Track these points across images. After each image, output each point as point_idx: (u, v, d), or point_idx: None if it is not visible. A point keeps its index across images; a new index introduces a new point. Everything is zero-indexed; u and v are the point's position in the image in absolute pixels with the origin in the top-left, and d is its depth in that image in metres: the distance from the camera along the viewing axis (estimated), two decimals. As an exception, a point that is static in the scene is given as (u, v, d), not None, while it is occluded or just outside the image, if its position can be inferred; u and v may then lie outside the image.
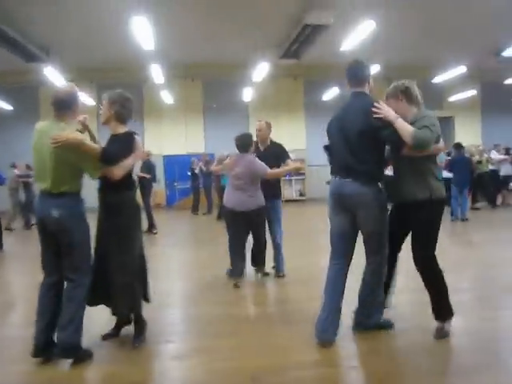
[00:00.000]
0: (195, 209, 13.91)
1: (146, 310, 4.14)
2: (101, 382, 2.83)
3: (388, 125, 3.14)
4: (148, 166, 10.19)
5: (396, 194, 3.40)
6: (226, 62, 15.38)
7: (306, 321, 3.81)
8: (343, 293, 3.39)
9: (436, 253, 3.38)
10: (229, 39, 13.31)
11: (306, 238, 8.59)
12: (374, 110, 3.18)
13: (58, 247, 3.15)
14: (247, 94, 15.85)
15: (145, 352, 3.28)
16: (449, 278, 3.53)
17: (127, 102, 3.46)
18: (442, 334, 3.35)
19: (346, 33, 10.15)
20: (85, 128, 3.43)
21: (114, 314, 3.52)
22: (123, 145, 3.31)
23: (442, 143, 3.38)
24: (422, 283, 3.44)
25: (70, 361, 3.10)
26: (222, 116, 17.34)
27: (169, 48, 12.91)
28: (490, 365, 2.90)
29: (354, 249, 3.43)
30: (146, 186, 9.94)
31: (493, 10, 10.98)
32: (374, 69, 12.51)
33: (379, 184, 3.32)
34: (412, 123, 3.18)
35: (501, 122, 18.36)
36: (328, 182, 3.55)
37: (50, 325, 3.13)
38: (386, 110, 3.18)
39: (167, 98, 15.85)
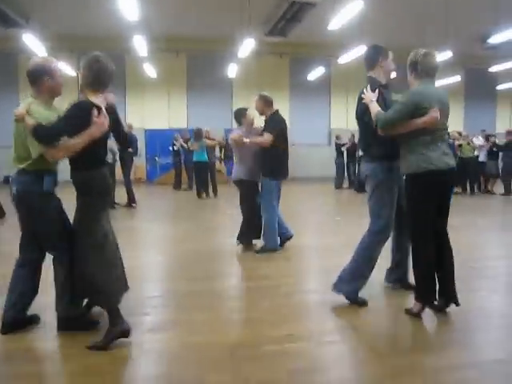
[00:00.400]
0: (177, 185, 13.87)
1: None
2: (76, 353, 2.83)
3: (368, 109, 3.42)
4: (130, 139, 10.06)
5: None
6: (212, 36, 15.17)
7: (284, 296, 3.88)
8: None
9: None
10: (215, 14, 13.10)
11: (292, 217, 8.65)
12: (362, 96, 3.47)
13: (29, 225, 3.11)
14: (232, 71, 15.68)
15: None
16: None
17: (96, 63, 2.99)
18: (411, 311, 3.44)
19: (333, 12, 10.06)
20: (111, 108, 3.12)
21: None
22: (69, 119, 2.88)
23: (432, 115, 3.26)
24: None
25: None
26: (205, 91, 17.17)
27: (153, 20, 12.64)
28: (456, 342, 3.00)
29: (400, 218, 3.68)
30: (127, 159, 9.84)
31: (480, -4, 11.01)
32: (361, 50, 12.46)
33: (382, 163, 3.54)
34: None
35: (483, 109, 18.60)
36: None
37: (20, 302, 3.12)
38: (366, 95, 3.44)
39: (150, 71, 15.58)
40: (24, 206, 3.05)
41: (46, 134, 2.82)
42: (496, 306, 3.77)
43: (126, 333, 2.93)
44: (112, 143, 9.40)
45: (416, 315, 3.39)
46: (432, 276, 3.40)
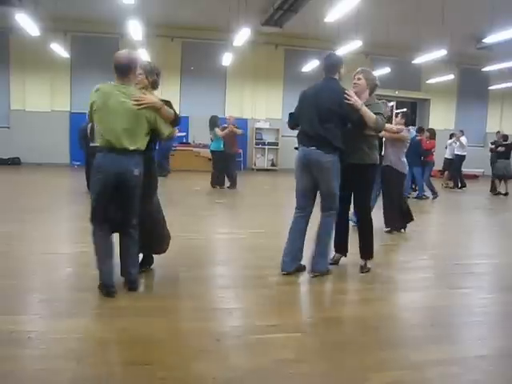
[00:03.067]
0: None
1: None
2: (59, 337, 2.83)
3: (356, 111, 3.94)
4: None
5: (348, 158, 4.14)
6: (207, 24, 15.03)
7: (271, 286, 3.90)
8: (304, 235, 4.22)
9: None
10: (211, 2, 12.97)
11: (272, 208, 8.67)
12: (345, 96, 3.94)
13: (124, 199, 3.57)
14: (226, 59, 15.58)
15: (109, 308, 3.29)
16: (408, 256, 3.66)
17: (160, 73, 3.95)
18: (364, 270, 4.33)
19: (330, 4, 10.01)
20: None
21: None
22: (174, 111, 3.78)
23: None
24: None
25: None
26: (199, 79, 17.04)
27: (149, 5, 12.46)
28: (440, 338, 3.05)
29: (313, 203, 4.23)
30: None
31: (477, -5, 11.03)
32: (356, 44, 12.44)
33: (336, 153, 4.04)
34: (366, 105, 4.01)
35: (475, 109, 18.70)
36: (296, 148, 4.31)
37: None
38: (354, 98, 3.96)
39: (144, 56, 15.41)
40: (140, 185, 3.56)
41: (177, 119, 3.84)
42: (480, 303, 3.82)
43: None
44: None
45: (368, 270, 4.33)
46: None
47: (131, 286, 3.63)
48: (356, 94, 4.09)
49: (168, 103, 3.76)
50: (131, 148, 3.44)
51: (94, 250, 3.57)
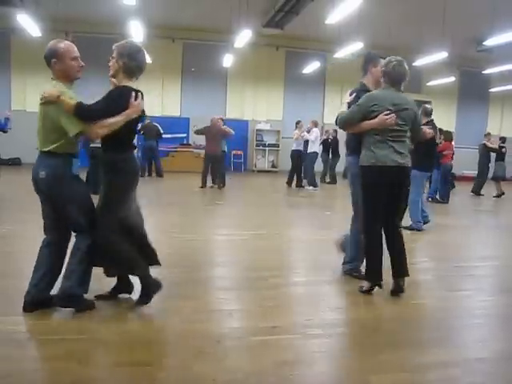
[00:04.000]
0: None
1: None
2: (59, 338, 2.83)
3: None
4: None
5: None
6: (209, 25, 15.06)
7: (271, 288, 3.90)
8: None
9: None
10: (213, 3, 12.99)
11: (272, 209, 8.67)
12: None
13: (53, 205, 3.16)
14: (227, 60, 15.60)
15: (109, 310, 3.29)
16: (409, 258, 3.67)
17: (138, 53, 3.22)
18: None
19: (331, 6, 10.03)
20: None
21: (105, 274, 3.45)
22: (111, 100, 3.09)
23: (380, 117, 3.65)
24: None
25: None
26: (200, 80, 17.06)
27: (151, 6, 12.49)
28: (440, 340, 3.04)
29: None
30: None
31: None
32: (357, 46, 12.45)
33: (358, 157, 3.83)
34: None
35: (475, 111, 18.72)
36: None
37: (43, 281, 3.14)
38: (345, 97, 4.03)
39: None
40: (54, 189, 3.09)
41: (88, 113, 3.03)
42: (480, 305, 3.82)
43: (159, 285, 3.31)
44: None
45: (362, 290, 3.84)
46: (376, 259, 3.80)
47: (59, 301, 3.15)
48: None
49: (135, 92, 3.16)
50: (44, 149, 3.08)
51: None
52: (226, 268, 4.66)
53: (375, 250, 3.78)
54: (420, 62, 14.27)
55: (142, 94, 3.20)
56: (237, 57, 15.55)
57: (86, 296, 3.22)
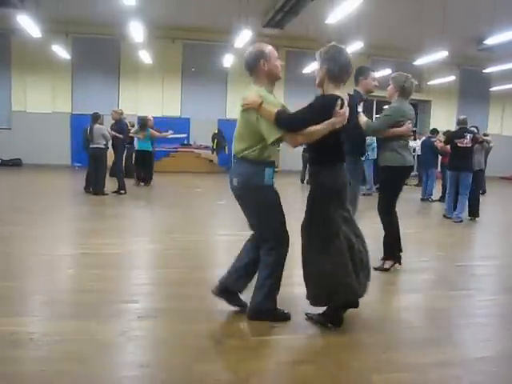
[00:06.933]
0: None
1: (111, 270, 4.17)
2: (64, 337, 2.83)
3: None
4: (121, 126, 9.98)
5: None
6: (209, 25, 15.03)
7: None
8: None
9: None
10: (213, 4, 12.98)
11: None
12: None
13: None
14: (227, 60, 15.58)
15: (109, 310, 3.30)
16: (409, 258, 3.66)
17: (340, 55, 3.06)
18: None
19: (331, 6, 10.01)
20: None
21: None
22: (314, 108, 2.95)
23: (407, 126, 4.46)
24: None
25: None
26: (200, 80, 17.05)
27: (151, 6, 12.48)
28: (441, 339, 3.04)
29: None
30: (118, 146, 9.77)
31: (478, -3, 11.03)
32: (357, 46, 12.44)
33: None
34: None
35: (476, 110, 18.68)
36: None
37: (237, 272, 3.28)
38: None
39: (145, 57, 15.42)
40: (244, 197, 3.11)
41: (289, 121, 2.94)
42: (481, 304, 3.81)
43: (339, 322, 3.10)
44: (105, 129, 9.38)
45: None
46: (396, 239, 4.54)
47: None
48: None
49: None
50: (239, 155, 3.07)
51: None
52: (226, 268, 4.65)
53: (398, 230, 4.55)
54: (420, 61, 14.25)
55: (343, 100, 2.97)
56: (237, 57, 15.53)
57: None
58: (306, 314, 3.23)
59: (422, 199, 10.63)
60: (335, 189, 3.01)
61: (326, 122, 2.87)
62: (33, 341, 2.76)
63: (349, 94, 3.43)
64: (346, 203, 3.10)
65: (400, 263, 4.54)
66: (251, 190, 3.05)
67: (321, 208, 3.00)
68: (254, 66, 3.12)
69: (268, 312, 3.17)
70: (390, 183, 4.55)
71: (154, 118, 12.48)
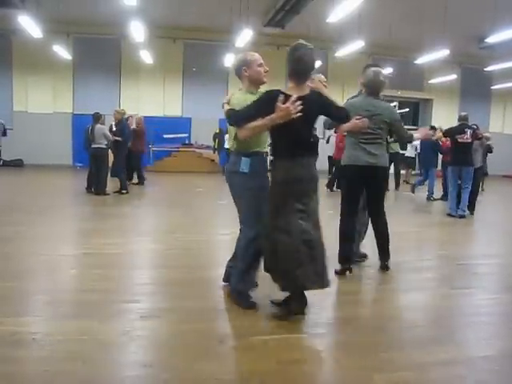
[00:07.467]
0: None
1: (113, 270, 4.18)
2: (67, 337, 2.83)
3: None
4: (122, 126, 9.97)
5: None
6: (210, 25, 15.05)
7: (272, 287, 3.88)
8: None
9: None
10: (214, 3, 12.99)
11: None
12: None
13: None
14: (229, 60, 15.58)
15: (112, 310, 3.30)
16: (412, 256, 3.65)
17: (293, 51, 3.23)
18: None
19: (332, 5, 10.01)
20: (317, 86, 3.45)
21: None
22: (257, 104, 3.12)
23: (351, 121, 3.88)
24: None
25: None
26: (201, 80, 17.06)
27: (151, 6, 12.48)
28: (444, 338, 3.03)
29: None
30: (119, 146, 9.75)
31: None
32: (358, 44, 12.43)
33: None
34: None
35: (478, 109, 18.66)
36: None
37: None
38: None
39: (146, 57, 15.43)
40: (229, 183, 3.47)
41: (234, 117, 3.18)
42: (484, 303, 3.80)
43: (301, 310, 3.22)
44: (106, 129, 9.37)
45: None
46: (345, 242, 4.21)
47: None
48: None
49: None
50: (228, 147, 3.80)
51: None
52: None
53: (348, 231, 4.24)
54: (421, 59, 14.24)
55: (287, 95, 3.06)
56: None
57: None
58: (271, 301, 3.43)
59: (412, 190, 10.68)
60: (286, 182, 3.15)
61: (267, 117, 3.04)
62: (35, 341, 2.76)
63: (313, 91, 3.31)
64: (305, 197, 3.19)
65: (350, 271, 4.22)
66: (230, 176, 3.44)
67: (272, 200, 3.22)
68: (238, 72, 3.44)
69: (240, 294, 3.44)
70: (343, 181, 4.61)
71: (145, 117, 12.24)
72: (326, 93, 3.47)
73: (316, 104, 3.21)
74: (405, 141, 4.36)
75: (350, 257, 4.24)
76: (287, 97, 3.02)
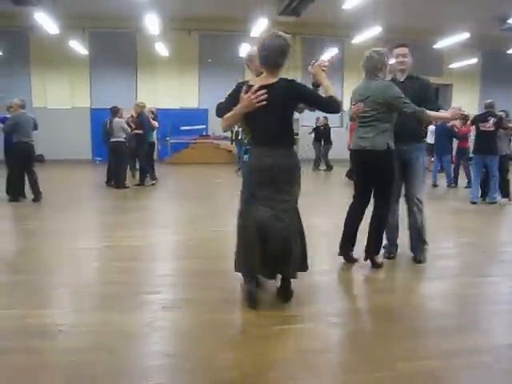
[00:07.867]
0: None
1: (135, 262, 4.22)
2: (93, 329, 2.87)
3: None
4: (142, 119, 10.01)
5: None
6: (224, 16, 14.98)
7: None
8: None
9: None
10: (228, -8, 12.92)
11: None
12: None
13: None
14: (244, 50, 15.50)
15: (134, 301, 3.33)
16: (435, 244, 3.60)
17: (259, 41, 3.31)
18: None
19: (348, -9, 9.88)
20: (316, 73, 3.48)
21: None
22: (229, 96, 3.36)
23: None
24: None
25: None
26: (217, 71, 17.02)
27: (165, -2, 12.47)
28: (469, 326, 2.99)
29: None
30: (140, 139, 9.81)
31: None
32: (375, 30, 12.24)
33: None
34: None
35: (499, 93, 18.25)
36: None
37: None
38: None
39: (162, 49, 15.45)
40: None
41: (216, 110, 3.43)
42: (509, 291, 3.74)
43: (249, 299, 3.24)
44: (124, 123, 9.43)
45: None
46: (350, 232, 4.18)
47: None
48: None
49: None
50: None
51: None
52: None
53: (350, 218, 4.22)
54: (441, 44, 13.97)
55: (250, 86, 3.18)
56: (253, 46, 15.46)
57: None
58: None
59: (434, 185, 10.36)
60: (249, 171, 3.32)
61: (234, 108, 3.17)
62: (61, 332, 2.81)
63: (283, 79, 3.25)
64: (272, 186, 3.19)
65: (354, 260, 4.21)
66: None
67: (242, 186, 3.41)
68: (247, 65, 3.77)
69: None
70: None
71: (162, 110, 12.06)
72: (322, 78, 3.40)
73: (283, 92, 3.15)
74: (411, 117, 3.95)
75: (346, 246, 4.19)
76: (250, 87, 3.12)
